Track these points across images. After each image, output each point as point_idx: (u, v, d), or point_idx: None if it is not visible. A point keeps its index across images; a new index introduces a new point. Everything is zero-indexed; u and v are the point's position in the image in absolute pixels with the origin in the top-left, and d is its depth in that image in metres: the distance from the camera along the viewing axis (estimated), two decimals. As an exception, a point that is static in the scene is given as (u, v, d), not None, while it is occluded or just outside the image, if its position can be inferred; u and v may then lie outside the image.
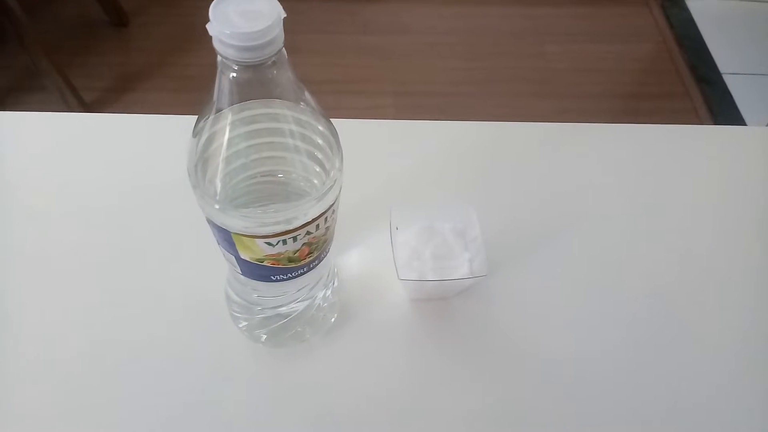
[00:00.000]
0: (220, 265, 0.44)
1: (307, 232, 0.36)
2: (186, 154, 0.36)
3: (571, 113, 1.75)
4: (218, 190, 0.35)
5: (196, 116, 0.35)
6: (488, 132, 0.64)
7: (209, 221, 0.37)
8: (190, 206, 0.38)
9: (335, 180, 0.36)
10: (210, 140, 0.35)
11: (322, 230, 0.38)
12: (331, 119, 0.38)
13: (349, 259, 0.53)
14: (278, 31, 0.29)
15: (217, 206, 0.35)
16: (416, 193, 0.58)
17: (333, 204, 0.37)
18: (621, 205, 0.58)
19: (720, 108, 1.79)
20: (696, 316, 0.52)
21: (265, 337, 0.47)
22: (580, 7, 2.07)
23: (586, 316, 0.51)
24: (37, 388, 0.46)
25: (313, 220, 0.36)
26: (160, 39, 1.88)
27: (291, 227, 0.35)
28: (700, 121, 1.77)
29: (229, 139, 0.34)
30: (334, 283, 0.49)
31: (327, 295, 0.48)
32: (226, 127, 0.33)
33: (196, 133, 0.35)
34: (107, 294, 0.50)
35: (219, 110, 0.33)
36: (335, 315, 0.49)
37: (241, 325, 0.48)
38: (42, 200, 0.56)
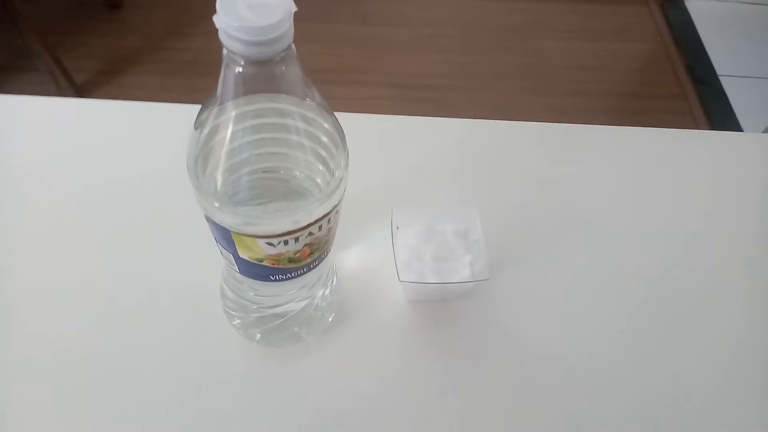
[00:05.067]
0: (216, 259, 0.43)
1: (310, 233, 0.35)
2: (186, 147, 0.35)
3: (566, 110, 1.74)
4: (218, 184, 0.34)
5: (190, 104, 0.34)
6: (491, 130, 0.63)
7: (208, 219, 0.36)
8: (184, 195, 0.37)
9: (340, 180, 0.35)
10: (212, 133, 0.33)
11: (324, 231, 0.37)
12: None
13: (349, 258, 0.52)
14: (288, 26, 0.27)
15: (216, 203, 0.34)
16: (418, 191, 0.57)
17: (337, 205, 0.36)
18: (621, 208, 0.58)
19: (715, 109, 1.79)
20: (697, 318, 0.51)
21: (259, 336, 0.46)
22: (580, 4, 2.06)
23: (587, 318, 0.50)
24: (31, 386, 0.44)
25: (317, 220, 0.35)
26: (155, 22, 1.85)
27: (294, 228, 0.34)
28: (695, 122, 1.77)
29: (232, 133, 0.33)
30: (332, 282, 0.48)
31: (325, 294, 0.47)
32: (230, 119, 0.32)
33: (199, 125, 0.34)
34: (95, 286, 0.49)
35: (223, 103, 0.31)
36: (333, 314, 0.48)
37: (235, 323, 0.47)
38: (32, 189, 0.54)
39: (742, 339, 0.51)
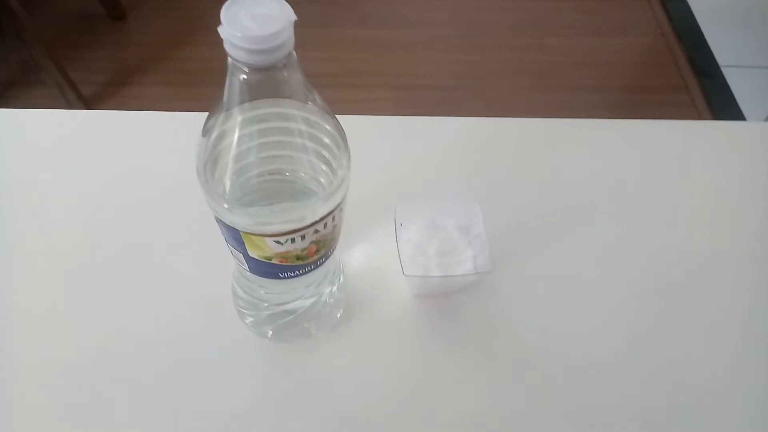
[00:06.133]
0: (226, 261, 0.45)
1: (315, 230, 0.37)
2: (195, 153, 0.36)
3: (570, 106, 1.75)
4: (227, 188, 0.36)
5: (196, 112, 0.35)
6: (491, 128, 0.64)
7: (218, 220, 0.38)
8: (194, 201, 0.39)
9: (343, 179, 0.37)
10: (219, 139, 0.35)
11: (329, 228, 0.38)
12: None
13: (355, 256, 0.53)
14: (289, 35, 0.29)
15: (226, 205, 0.35)
16: (420, 189, 0.58)
17: (341, 203, 0.38)
18: (623, 201, 0.59)
19: (718, 100, 1.80)
20: (702, 310, 0.52)
21: (271, 333, 0.48)
22: (580, 0, 2.07)
23: (589, 312, 0.52)
24: (46, 383, 0.46)
25: (322, 218, 0.36)
26: (158, 33, 1.88)
27: (300, 226, 0.36)
28: (698, 114, 1.77)
29: (239, 138, 0.34)
30: (339, 279, 0.49)
31: (333, 291, 0.48)
32: (236, 125, 0.34)
33: (206, 131, 0.35)
34: (111, 290, 0.51)
35: (228, 110, 0.33)
36: (341, 311, 0.50)
37: (247, 321, 0.48)
38: (45, 197, 0.56)
39: (747, 332, 0.51)
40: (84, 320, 0.49)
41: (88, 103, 1.65)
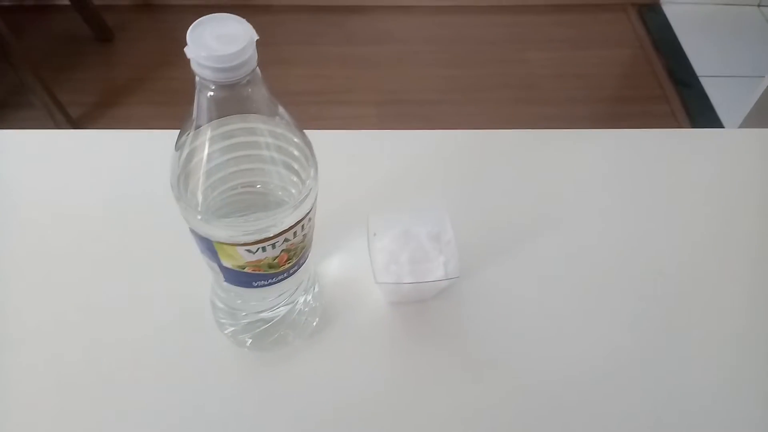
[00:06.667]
0: (205, 275, 0.46)
1: (285, 239, 0.38)
2: (169, 168, 0.38)
3: (553, 118, 1.78)
4: (200, 201, 0.37)
5: (179, 130, 0.37)
6: (464, 140, 0.66)
7: (192, 231, 0.39)
8: (175, 217, 0.40)
9: (310, 189, 0.38)
10: (191, 155, 0.37)
11: (299, 237, 0.40)
12: (311, 130, 0.40)
13: (330, 266, 0.55)
14: (251, 53, 0.31)
15: (199, 217, 0.37)
16: (394, 200, 0.60)
17: (309, 212, 0.39)
18: (596, 208, 0.61)
19: (697, 110, 1.83)
20: (675, 320, 0.54)
21: (250, 341, 0.49)
22: (561, 14, 2.11)
23: (557, 316, 0.53)
24: (27, 394, 0.47)
25: (291, 227, 0.38)
26: (145, 53, 1.90)
27: (269, 235, 0.37)
28: (678, 124, 1.80)
29: (209, 154, 0.36)
30: (314, 289, 0.51)
31: (308, 300, 0.50)
32: (206, 142, 0.35)
33: (179, 147, 0.37)
34: (95, 302, 0.52)
35: (198, 126, 0.35)
36: (317, 319, 0.51)
37: (226, 331, 0.50)
38: (33, 212, 0.57)
39: (740, 338, 0.53)
40: (67, 330, 0.50)
41: (76, 123, 1.67)
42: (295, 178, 0.39)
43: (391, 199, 0.60)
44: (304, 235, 0.41)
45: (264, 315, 0.48)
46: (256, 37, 0.31)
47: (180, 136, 0.37)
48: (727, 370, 0.51)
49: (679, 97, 1.86)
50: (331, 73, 1.87)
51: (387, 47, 1.97)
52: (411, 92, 1.84)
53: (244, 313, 0.48)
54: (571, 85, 1.90)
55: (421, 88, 1.85)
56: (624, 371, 0.50)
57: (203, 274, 0.46)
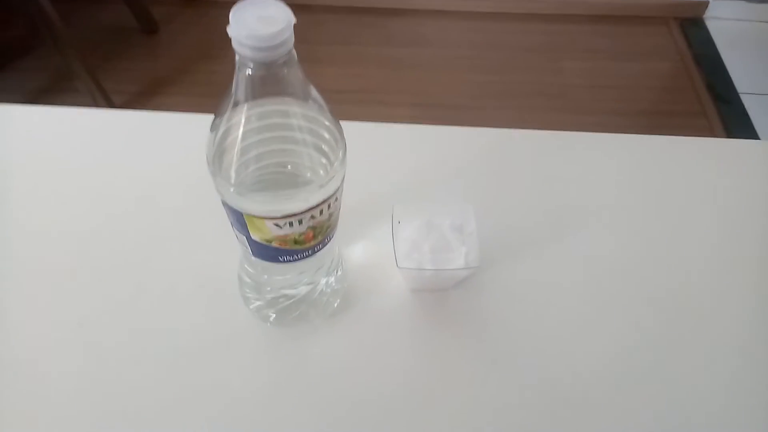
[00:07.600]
0: (234, 252, 0.48)
1: (312, 216, 0.40)
2: (205, 147, 0.40)
3: (584, 128, 1.77)
4: (233, 177, 0.39)
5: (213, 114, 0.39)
6: (493, 138, 0.68)
7: (224, 204, 0.41)
8: (208, 196, 0.43)
9: (338, 170, 0.40)
10: (227, 132, 0.39)
11: (325, 215, 0.42)
12: (345, 121, 0.42)
13: (354, 251, 0.56)
14: (289, 35, 0.33)
15: (232, 189, 0.39)
16: (420, 191, 0.62)
17: (335, 192, 0.41)
18: (618, 213, 0.61)
19: (736, 126, 1.81)
20: (693, 320, 0.54)
21: (273, 316, 0.51)
22: (599, 24, 2.10)
23: (581, 311, 0.54)
24: (57, 369, 0.50)
25: (317, 205, 0.40)
26: (188, 46, 1.96)
27: (297, 210, 0.39)
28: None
29: (244, 132, 0.38)
30: (338, 272, 0.53)
31: (330, 281, 0.52)
32: (242, 120, 0.38)
33: (214, 128, 0.39)
34: (130, 275, 0.55)
35: (236, 103, 0.37)
36: (338, 300, 0.53)
37: (252, 306, 0.52)
38: (70, 188, 0.61)
39: (746, 346, 0.53)
40: (99, 303, 0.53)
41: (118, 111, 1.72)
42: (324, 160, 0.41)
43: (417, 190, 0.62)
44: (330, 214, 0.42)
45: (287, 291, 0.50)
46: (294, 20, 0.33)
47: (216, 117, 0.39)
48: (734, 373, 0.51)
49: (718, 112, 1.84)
50: (368, 73, 1.90)
51: (423, 50, 1.99)
52: (445, 96, 1.86)
53: (269, 288, 0.50)
54: (606, 96, 1.89)
55: (455, 92, 1.87)
56: (642, 369, 0.51)
57: (232, 251, 0.48)
